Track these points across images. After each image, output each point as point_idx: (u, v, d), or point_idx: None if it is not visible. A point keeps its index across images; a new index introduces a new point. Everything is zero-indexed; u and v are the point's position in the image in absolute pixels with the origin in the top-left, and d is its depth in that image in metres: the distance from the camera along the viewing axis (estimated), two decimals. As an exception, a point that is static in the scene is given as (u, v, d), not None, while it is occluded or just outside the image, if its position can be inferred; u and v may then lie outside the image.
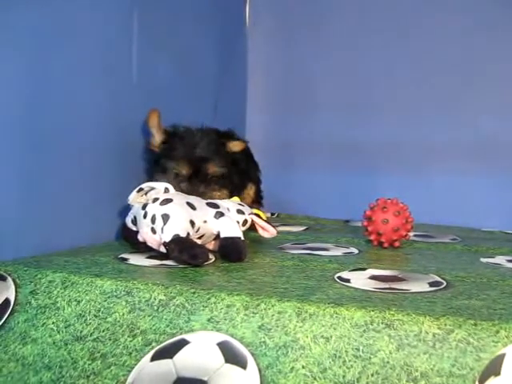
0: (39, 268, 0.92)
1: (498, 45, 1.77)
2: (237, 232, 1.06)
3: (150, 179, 1.23)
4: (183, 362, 0.74)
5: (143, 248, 1.07)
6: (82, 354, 0.80)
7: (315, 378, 0.69)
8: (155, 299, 0.82)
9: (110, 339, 0.80)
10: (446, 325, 0.69)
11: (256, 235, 1.19)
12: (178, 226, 0.99)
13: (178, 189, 1.15)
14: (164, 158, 1.28)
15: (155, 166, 1.31)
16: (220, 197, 1.26)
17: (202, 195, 1.18)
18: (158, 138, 1.31)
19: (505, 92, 1.78)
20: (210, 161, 1.28)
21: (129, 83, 1.33)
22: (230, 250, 1.05)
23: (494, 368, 0.65)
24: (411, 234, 1.36)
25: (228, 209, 1.13)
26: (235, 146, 1.39)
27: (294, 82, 2.03)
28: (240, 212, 1.14)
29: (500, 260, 1.16)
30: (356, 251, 1.24)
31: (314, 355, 0.71)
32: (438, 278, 0.94)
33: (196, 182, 1.26)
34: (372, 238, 1.30)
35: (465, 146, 1.81)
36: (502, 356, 0.65)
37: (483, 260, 1.16)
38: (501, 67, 1.78)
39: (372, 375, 0.68)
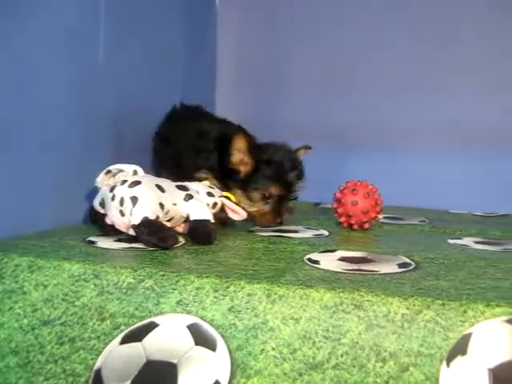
0: (5, 252, 0.90)
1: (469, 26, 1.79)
2: (206, 215, 1.06)
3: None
4: (153, 344, 0.73)
5: (111, 231, 1.05)
6: (50, 338, 0.79)
7: (285, 360, 0.70)
8: (124, 282, 0.81)
9: (78, 323, 0.79)
10: (414, 305, 0.70)
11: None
12: (146, 209, 0.98)
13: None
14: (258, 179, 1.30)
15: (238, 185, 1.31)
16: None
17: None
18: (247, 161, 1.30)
19: (476, 74, 1.79)
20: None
21: (95, 64, 1.31)
22: (199, 233, 1.05)
23: (461, 347, 0.66)
24: (381, 215, 1.37)
25: (198, 191, 1.12)
26: (302, 154, 1.41)
27: (266, 59, 2.01)
28: (210, 195, 1.14)
29: (467, 241, 1.18)
30: (326, 233, 1.24)
31: (284, 337, 0.71)
32: (406, 260, 0.95)
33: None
34: (342, 219, 1.30)
35: (434, 128, 1.83)
36: (469, 335, 0.66)
37: (451, 241, 1.17)
38: (468, 50, 1.80)
39: (341, 356, 0.69)
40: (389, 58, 1.87)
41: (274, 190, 1.29)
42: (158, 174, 1.35)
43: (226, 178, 1.30)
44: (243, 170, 1.29)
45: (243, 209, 1.17)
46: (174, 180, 1.13)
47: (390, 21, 1.87)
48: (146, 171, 1.08)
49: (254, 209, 1.30)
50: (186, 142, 1.37)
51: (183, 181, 1.15)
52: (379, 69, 1.88)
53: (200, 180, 1.24)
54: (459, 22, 1.78)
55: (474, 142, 1.79)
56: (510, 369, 0.63)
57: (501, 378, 0.63)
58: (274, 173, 1.30)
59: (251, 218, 1.30)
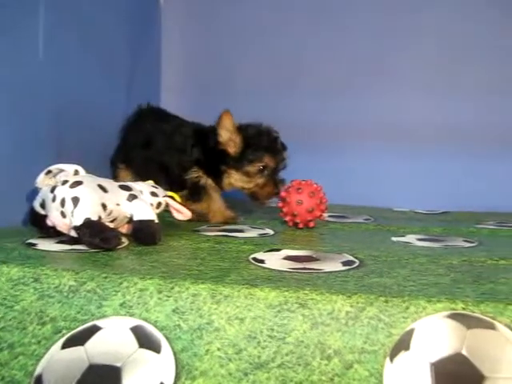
0: None
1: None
2: (150, 215, 1.05)
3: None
4: (95, 348, 0.72)
5: (52, 233, 1.03)
6: (-12, 344, 0.76)
7: (230, 360, 0.69)
8: (65, 285, 0.79)
9: (17, 328, 0.77)
10: (358, 302, 0.70)
11: (171, 218, 1.17)
12: (88, 210, 0.96)
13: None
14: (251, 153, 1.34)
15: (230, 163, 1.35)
16: None
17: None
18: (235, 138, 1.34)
19: (427, 71, 1.82)
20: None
21: (34, 61, 1.27)
22: (143, 233, 1.04)
23: (404, 343, 0.67)
24: (326, 214, 1.38)
25: (141, 191, 1.11)
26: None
27: (211, 59, 2.00)
28: (154, 194, 1.12)
29: (410, 239, 1.20)
30: (271, 232, 1.25)
31: (229, 337, 0.71)
32: (351, 257, 0.96)
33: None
34: (287, 219, 1.31)
35: (377, 127, 1.85)
36: (412, 331, 0.67)
37: (394, 239, 1.19)
38: (427, 43, 1.82)
39: (287, 355, 0.69)
40: (335, 57, 1.88)
41: (269, 161, 1.34)
42: (117, 173, 1.36)
43: (217, 163, 1.35)
44: (232, 149, 1.33)
45: (187, 208, 1.16)
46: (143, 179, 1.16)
47: (335, 19, 1.89)
48: (88, 171, 1.06)
49: (251, 184, 1.35)
50: (167, 142, 1.39)
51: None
52: (324, 69, 1.89)
53: (192, 180, 1.32)
54: (460, 22, 1.81)
55: (416, 141, 1.82)
56: (451, 363, 0.64)
57: (442, 372, 0.64)
58: (265, 144, 1.35)
59: (252, 197, 1.38)
